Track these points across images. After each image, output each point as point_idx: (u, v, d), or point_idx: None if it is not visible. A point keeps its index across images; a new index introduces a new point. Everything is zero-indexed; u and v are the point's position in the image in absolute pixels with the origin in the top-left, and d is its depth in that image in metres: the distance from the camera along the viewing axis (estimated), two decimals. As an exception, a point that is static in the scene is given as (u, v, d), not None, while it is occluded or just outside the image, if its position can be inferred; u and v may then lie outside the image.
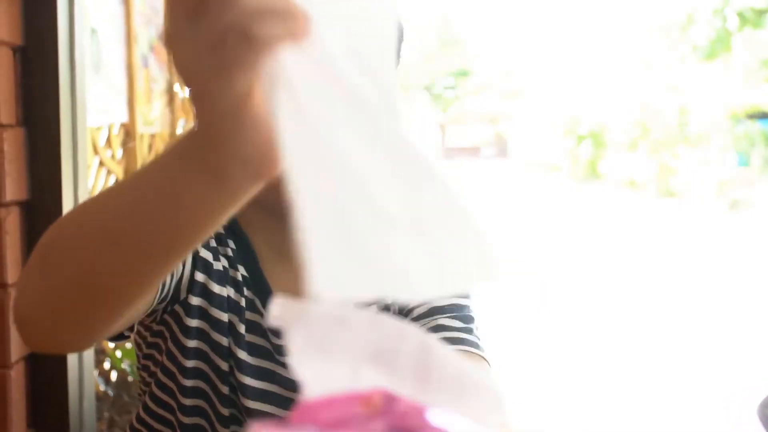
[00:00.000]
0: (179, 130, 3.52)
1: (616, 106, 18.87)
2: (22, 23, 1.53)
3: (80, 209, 0.64)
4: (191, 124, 3.13)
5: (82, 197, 1.62)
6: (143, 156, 3.06)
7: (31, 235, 1.55)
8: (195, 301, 0.91)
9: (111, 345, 2.14)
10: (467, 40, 34.23)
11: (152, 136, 3.22)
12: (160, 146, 3.32)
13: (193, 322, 0.92)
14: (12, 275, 1.50)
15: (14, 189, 1.50)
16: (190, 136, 0.52)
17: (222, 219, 0.54)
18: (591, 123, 20.31)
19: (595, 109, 20.12)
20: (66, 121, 1.57)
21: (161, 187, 0.54)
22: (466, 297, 1.03)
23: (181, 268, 0.89)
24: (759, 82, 16.00)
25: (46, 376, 1.57)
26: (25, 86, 1.54)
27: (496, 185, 19.31)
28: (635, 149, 17.89)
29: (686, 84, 16.73)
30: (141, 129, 3.02)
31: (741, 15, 17.87)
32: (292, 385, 0.95)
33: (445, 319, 0.97)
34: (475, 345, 0.95)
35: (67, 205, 1.57)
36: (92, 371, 1.67)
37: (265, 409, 0.94)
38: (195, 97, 0.48)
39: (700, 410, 3.81)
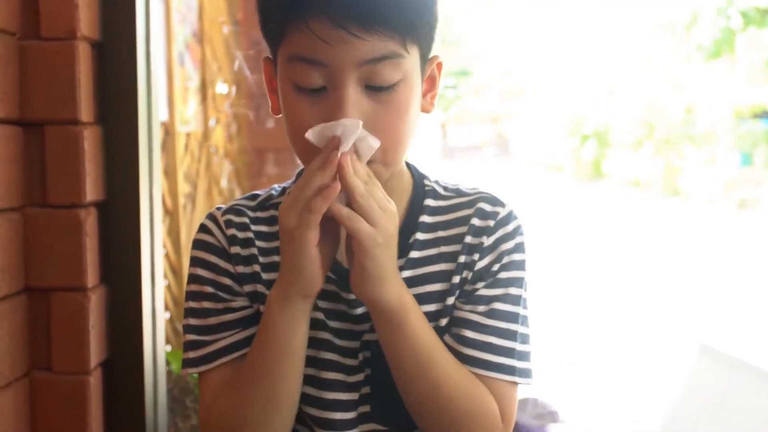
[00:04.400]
0: (210, 129, 3.46)
1: (620, 105, 18.84)
2: (99, 18, 1.48)
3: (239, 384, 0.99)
4: (222, 123, 3.05)
5: (156, 199, 1.58)
6: (180, 156, 3.00)
7: (107, 237, 1.50)
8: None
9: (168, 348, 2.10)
10: (467, 40, 34.19)
11: (188, 135, 3.17)
12: (194, 145, 3.26)
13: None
14: (91, 278, 1.45)
15: (92, 189, 1.45)
16: (281, 276, 0.95)
17: (293, 330, 0.95)
18: (595, 122, 20.27)
19: (599, 109, 20.09)
20: (143, 119, 1.52)
21: (266, 319, 0.97)
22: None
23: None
24: (763, 81, 15.97)
25: (123, 383, 1.52)
26: (100, 83, 1.49)
27: (497, 184, 19.27)
28: (640, 149, 17.86)
29: (691, 83, 16.70)
30: (179, 128, 2.97)
31: (745, 14, 17.84)
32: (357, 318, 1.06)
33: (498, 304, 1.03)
34: (507, 368, 1.02)
35: (144, 206, 1.52)
36: (164, 377, 1.63)
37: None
38: (281, 230, 0.93)
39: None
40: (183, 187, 3.04)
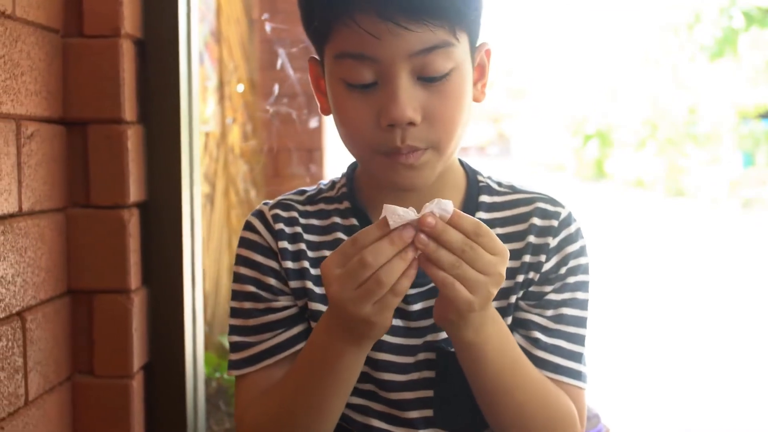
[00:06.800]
0: (228, 128, 3.44)
1: (623, 104, 18.82)
2: (141, 15, 1.45)
3: (276, 401, 0.98)
4: (238, 123, 3.01)
5: (197, 199, 1.55)
6: (200, 156, 2.97)
7: (148, 239, 1.47)
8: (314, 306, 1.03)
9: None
10: (468, 40, 33.99)
11: (207, 135, 3.14)
12: (212, 145, 3.24)
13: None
14: (134, 280, 1.42)
15: (135, 190, 1.43)
16: (335, 323, 0.89)
17: (356, 369, 0.93)
18: (598, 122, 20.25)
19: (601, 108, 20.06)
20: (185, 118, 1.49)
21: (316, 354, 0.93)
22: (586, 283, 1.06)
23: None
24: (766, 81, 15.96)
25: (164, 386, 1.50)
26: (142, 82, 1.47)
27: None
28: (642, 148, 17.84)
29: (694, 83, 16.69)
30: (199, 128, 2.94)
31: (747, 14, 17.82)
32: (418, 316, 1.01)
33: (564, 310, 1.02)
34: (572, 373, 1.02)
35: (186, 207, 1.50)
36: (203, 381, 1.60)
37: (393, 359, 1.01)
38: (343, 313, 0.85)
39: (708, 412, 3.74)
40: (203, 188, 3.02)
